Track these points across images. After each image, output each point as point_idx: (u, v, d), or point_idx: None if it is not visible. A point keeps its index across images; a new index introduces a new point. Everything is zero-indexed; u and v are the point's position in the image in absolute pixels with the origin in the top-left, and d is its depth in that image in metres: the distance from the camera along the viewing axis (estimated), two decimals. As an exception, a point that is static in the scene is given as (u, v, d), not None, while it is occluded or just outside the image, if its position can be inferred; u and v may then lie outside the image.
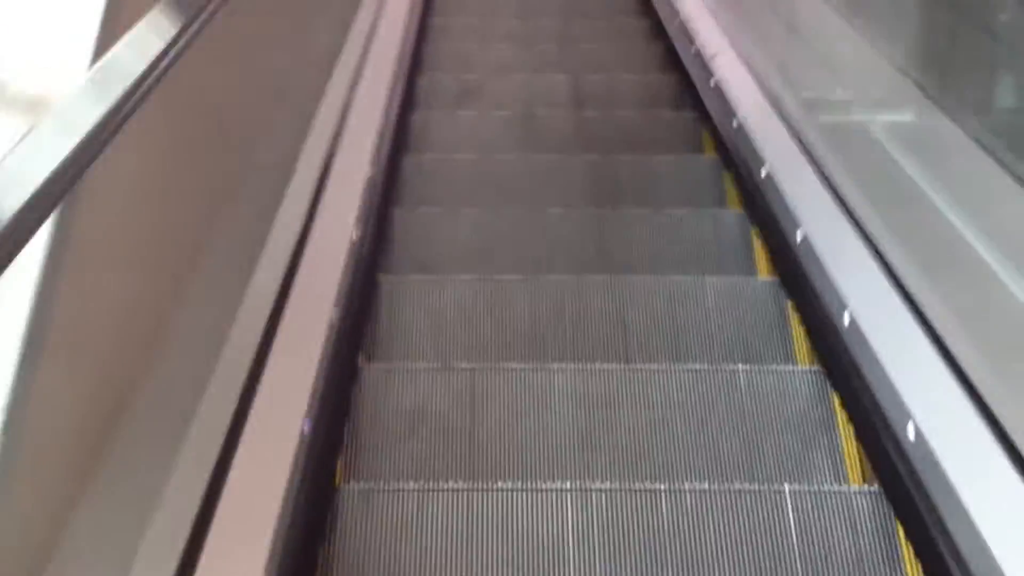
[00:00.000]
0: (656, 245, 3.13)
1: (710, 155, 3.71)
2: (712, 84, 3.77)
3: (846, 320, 2.26)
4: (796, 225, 2.67)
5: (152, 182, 1.84)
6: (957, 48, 2.38)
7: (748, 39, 3.72)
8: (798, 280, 2.63)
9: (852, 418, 2.27)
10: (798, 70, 3.26)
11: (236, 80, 2.36)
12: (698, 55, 4.07)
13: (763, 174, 3.00)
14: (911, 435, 1.92)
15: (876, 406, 2.10)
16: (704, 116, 3.90)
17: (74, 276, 1.46)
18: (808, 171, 2.75)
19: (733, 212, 3.26)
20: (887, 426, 2.05)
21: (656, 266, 3.02)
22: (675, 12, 4.65)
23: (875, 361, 2.12)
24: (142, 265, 1.83)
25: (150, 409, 1.71)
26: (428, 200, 3.42)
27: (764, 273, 2.98)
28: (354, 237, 2.77)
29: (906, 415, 1.95)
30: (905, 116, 2.51)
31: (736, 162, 3.36)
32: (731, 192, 3.45)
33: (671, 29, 4.69)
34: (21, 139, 1.13)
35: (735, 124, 3.37)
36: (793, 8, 3.39)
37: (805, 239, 2.60)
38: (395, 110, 3.80)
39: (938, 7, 2.46)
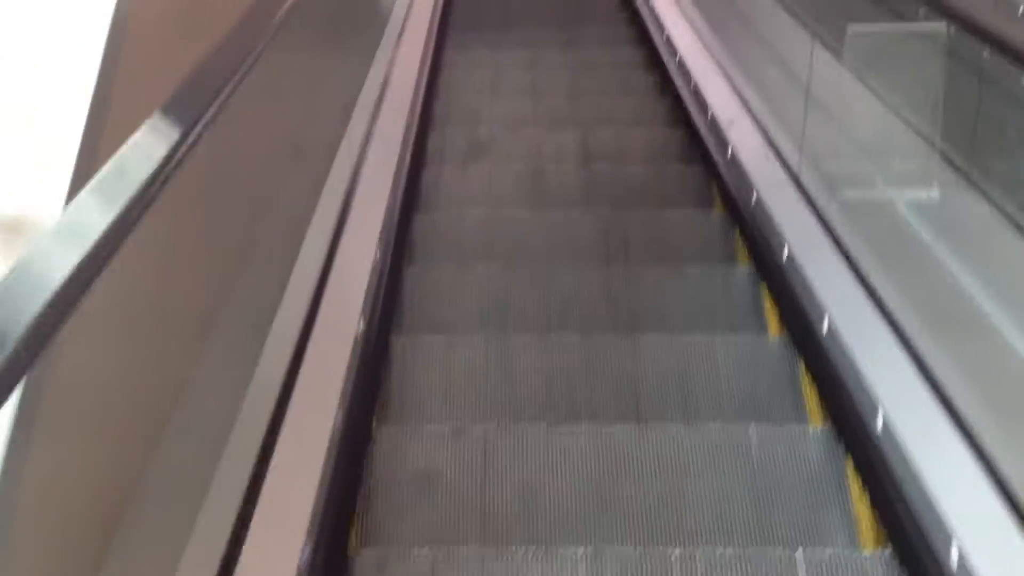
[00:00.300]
0: (668, 303, 3.13)
1: (719, 211, 3.72)
2: (728, 155, 3.78)
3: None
4: (822, 312, 2.67)
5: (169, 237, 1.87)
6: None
7: (769, 105, 3.73)
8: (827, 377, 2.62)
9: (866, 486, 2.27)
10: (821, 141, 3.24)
11: (247, 144, 2.40)
12: (713, 122, 4.10)
13: (785, 256, 3.00)
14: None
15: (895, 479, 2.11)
16: (713, 173, 3.92)
17: (79, 351, 1.47)
18: (832, 250, 2.76)
19: (743, 269, 3.27)
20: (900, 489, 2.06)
21: (667, 324, 3.02)
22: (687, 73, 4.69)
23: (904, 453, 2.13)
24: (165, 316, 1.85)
25: (169, 467, 1.73)
26: (440, 259, 3.44)
27: (775, 332, 2.98)
28: (367, 296, 2.79)
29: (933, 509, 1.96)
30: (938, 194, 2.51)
31: (756, 241, 3.35)
32: (741, 248, 3.46)
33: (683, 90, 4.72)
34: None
35: (754, 200, 3.37)
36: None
37: (832, 328, 2.59)
38: (406, 167, 3.83)
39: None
